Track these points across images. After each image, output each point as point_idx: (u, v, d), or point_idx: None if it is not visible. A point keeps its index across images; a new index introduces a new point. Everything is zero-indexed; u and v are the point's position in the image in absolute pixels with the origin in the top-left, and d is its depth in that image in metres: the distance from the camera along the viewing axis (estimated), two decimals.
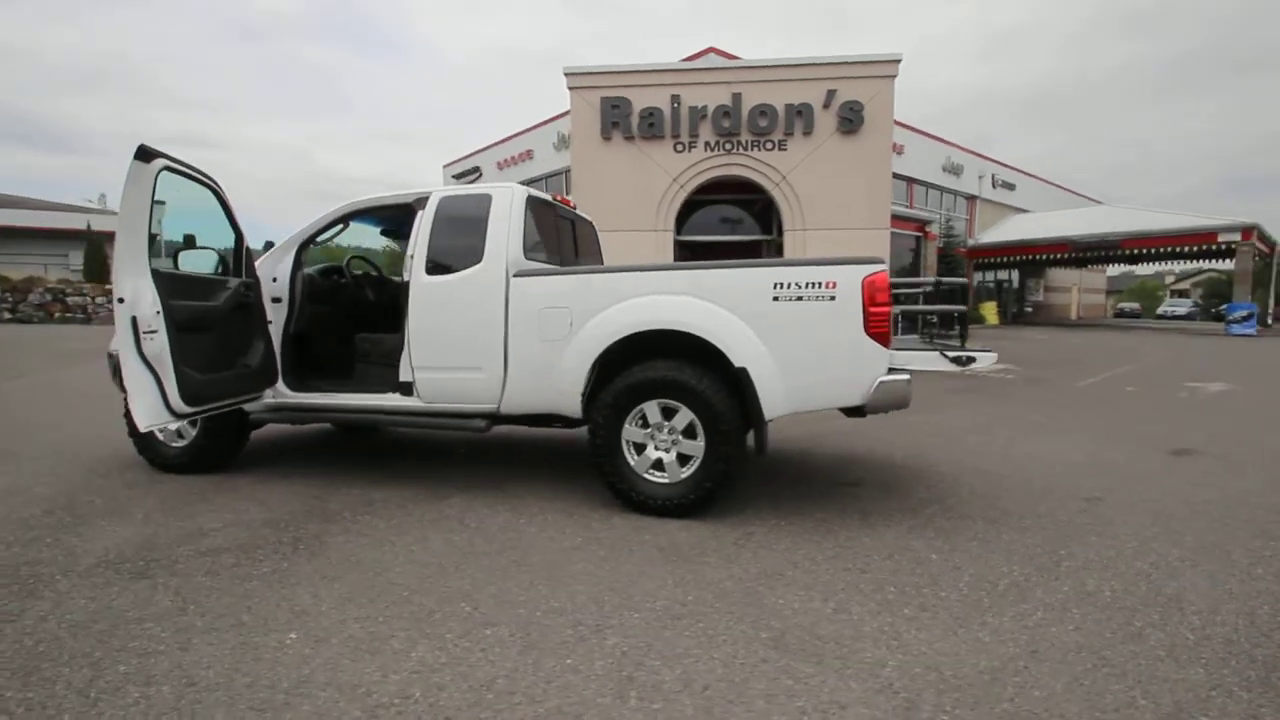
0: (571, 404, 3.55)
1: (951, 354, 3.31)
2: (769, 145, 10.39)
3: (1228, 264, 25.28)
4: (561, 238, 4.37)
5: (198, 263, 3.77)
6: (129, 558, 2.83)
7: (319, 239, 4.22)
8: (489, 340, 3.62)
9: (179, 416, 3.22)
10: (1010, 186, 30.46)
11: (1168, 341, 18.18)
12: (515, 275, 3.62)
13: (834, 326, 3.17)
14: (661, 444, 3.40)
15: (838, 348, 3.19)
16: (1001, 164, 30.18)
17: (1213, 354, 14.14)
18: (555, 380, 3.54)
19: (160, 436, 4.14)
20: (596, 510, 3.48)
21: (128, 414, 4.13)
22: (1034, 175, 33.00)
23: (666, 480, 3.38)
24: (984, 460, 4.67)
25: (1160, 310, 44.38)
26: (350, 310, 4.69)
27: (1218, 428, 6.06)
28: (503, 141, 28.46)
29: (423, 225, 3.80)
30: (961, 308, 3.79)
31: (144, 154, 3.02)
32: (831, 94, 10.44)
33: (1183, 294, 53.02)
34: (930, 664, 2.07)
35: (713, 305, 3.30)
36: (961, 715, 1.82)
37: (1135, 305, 48.87)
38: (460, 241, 3.78)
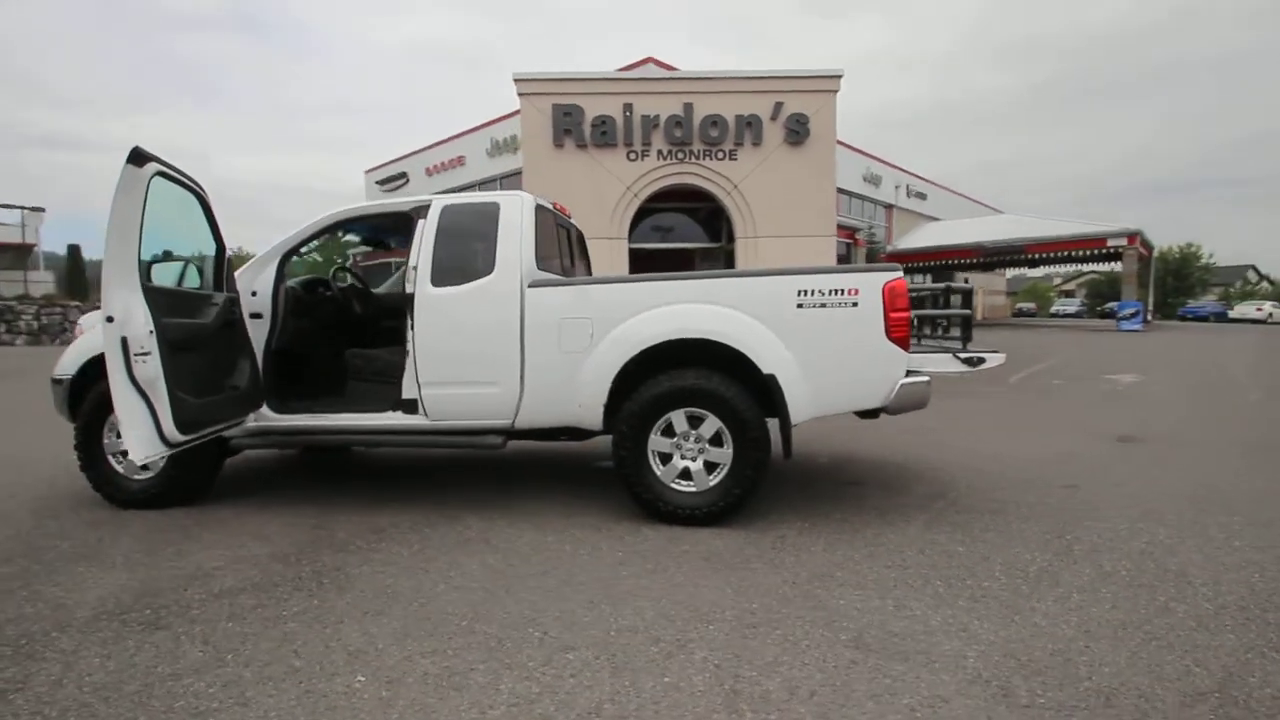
0: (592, 416, 3.49)
1: (964, 355, 3.50)
2: (720, 155, 10.63)
3: (1114, 266, 27.86)
4: (560, 246, 4.30)
5: (170, 276, 3.46)
6: (131, 606, 2.54)
7: (303, 250, 3.96)
8: (504, 353, 3.51)
9: (172, 446, 2.93)
10: (922, 196, 32.45)
11: (1069, 338, 19.85)
12: (530, 286, 3.53)
13: (856, 332, 3.28)
14: (688, 453, 3.40)
15: (860, 352, 3.30)
16: (914, 175, 32.11)
17: (1112, 348, 15.56)
18: (575, 393, 3.47)
19: (120, 469, 3.76)
20: (621, 522, 3.43)
21: (80, 445, 3.72)
22: (942, 185, 35.29)
23: (694, 489, 3.38)
24: (961, 455, 4.95)
25: (1054, 309, 48.46)
26: (337, 325, 4.42)
27: (1145, 415, 6.69)
28: (432, 146, 27.65)
29: (425, 235, 3.64)
30: (967, 311, 4.01)
31: (137, 158, 2.74)
32: (779, 106, 10.82)
33: (1069, 294, 58.06)
34: (1005, 651, 2.17)
35: (738, 313, 3.33)
36: (1054, 697, 1.92)
37: (1032, 305, 53.07)
38: (468, 251, 3.65)
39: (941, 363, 3.55)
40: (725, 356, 3.35)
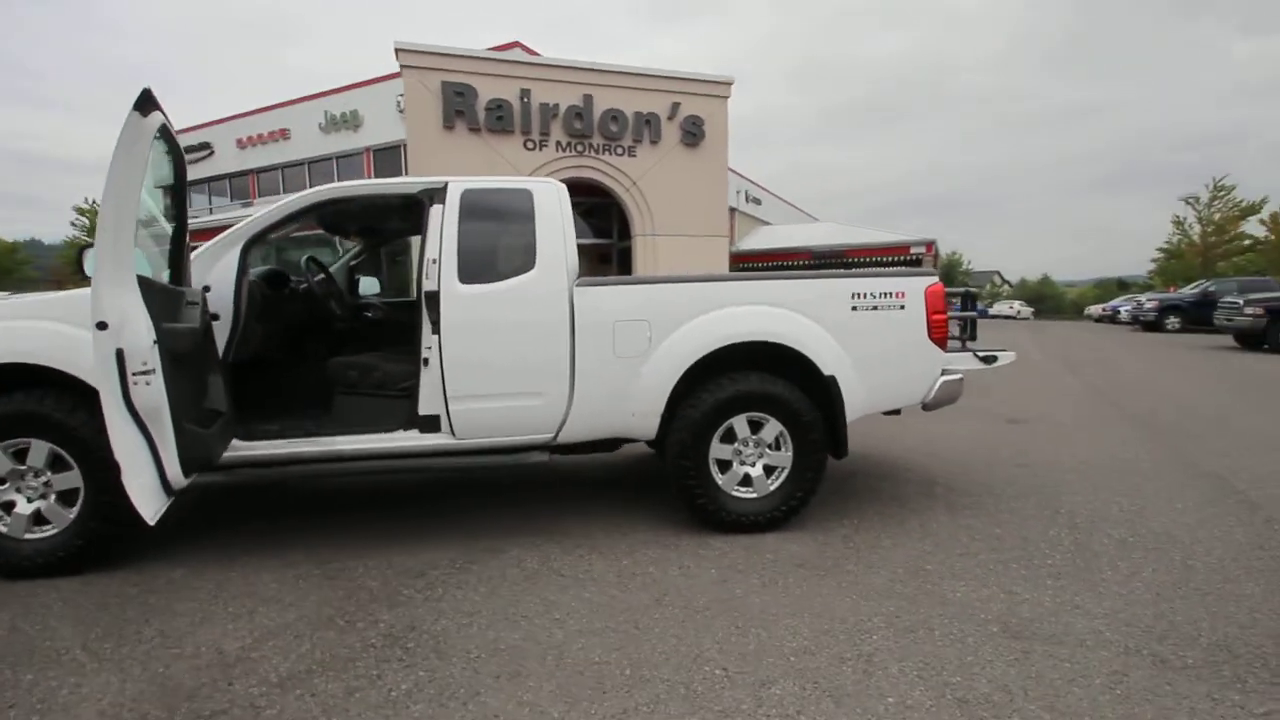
0: (646, 425, 3.26)
1: (982, 354, 3.81)
2: (619, 150, 10.51)
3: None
4: None
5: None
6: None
7: (272, 235, 3.20)
8: (551, 360, 3.14)
9: (173, 494, 2.19)
10: (758, 201, 35.08)
11: None
12: (577, 285, 3.19)
13: (903, 333, 3.43)
14: (748, 458, 3.32)
15: (906, 352, 3.45)
16: (752, 181, 34.59)
17: None
18: (630, 400, 3.22)
19: (4, 527, 2.77)
20: (681, 536, 3.26)
21: None
22: (772, 193, 38.45)
23: (755, 495, 3.31)
24: (913, 444, 5.42)
25: None
26: (308, 327, 3.64)
27: (1013, 398, 7.84)
28: (246, 115, 23.96)
29: (446, 223, 3.13)
30: (973, 313, 4.36)
31: (145, 103, 1.98)
32: (676, 106, 10.97)
33: None
34: (1124, 621, 2.40)
35: (799, 316, 3.31)
36: (1196, 657, 2.16)
37: None
38: (499, 245, 3.21)
39: (962, 360, 3.85)
40: (782, 359, 3.32)
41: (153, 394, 2.04)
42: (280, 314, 3.46)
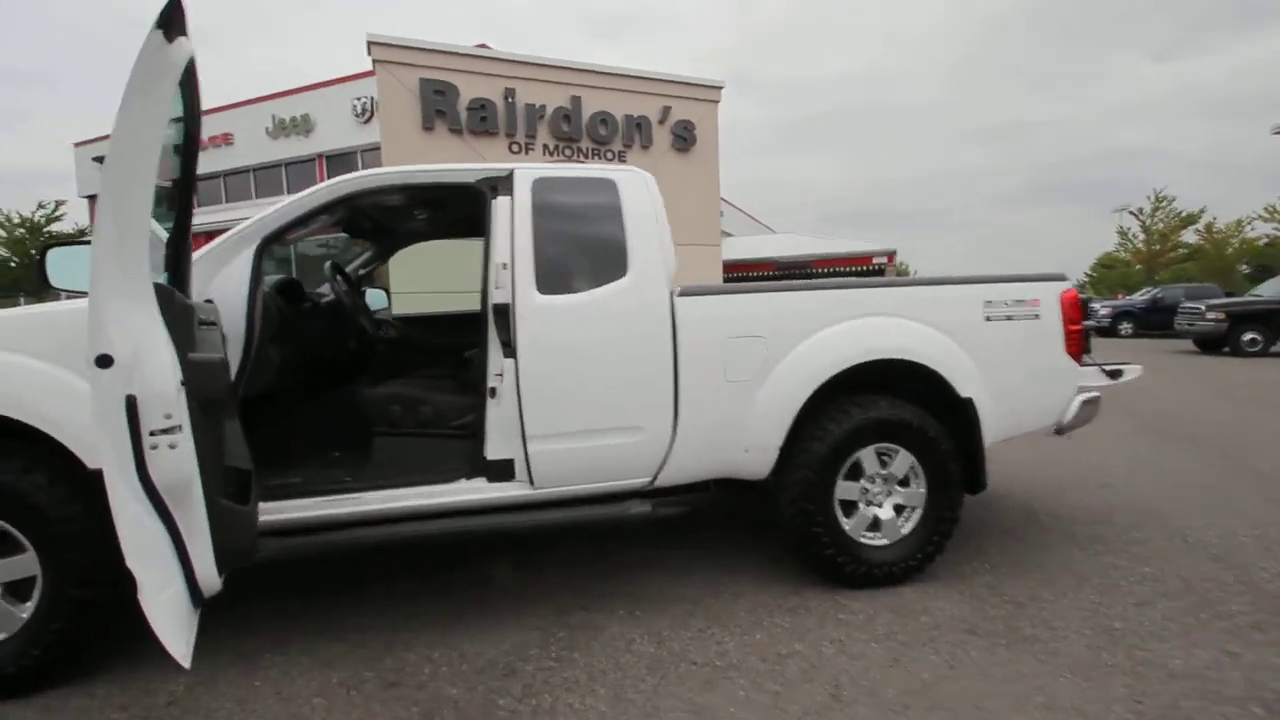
0: (760, 462, 2.71)
1: (1108, 368, 3.41)
2: (609, 155, 9.98)
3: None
4: None
5: (70, 269, 1.89)
6: None
7: (290, 237, 2.51)
8: (652, 386, 2.55)
9: (201, 604, 1.50)
10: (721, 213, 35.10)
11: None
12: (680, 295, 2.63)
13: (1039, 346, 2.99)
14: (876, 497, 2.80)
15: (1041, 368, 3.01)
16: None
17: None
18: (743, 433, 2.66)
19: None
20: (805, 594, 2.70)
21: None
22: (733, 204, 38.61)
23: (886, 541, 2.79)
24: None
25: None
26: (333, 351, 2.93)
27: None
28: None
29: (518, 219, 2.52)
30: (1090, 323, 3.98)
31: (171, 21, 1.32)
32: (667, 110, 10.50)
33: None
34: None
35: (929, 328, 2.83)
36: None
37: None
38: (581, 245, 2.61)
39: (1087, 376, 3.44)
40: (906, 379, 2.83)
41: (179, 462, 1.37)
42: (299, 335, 2.75)
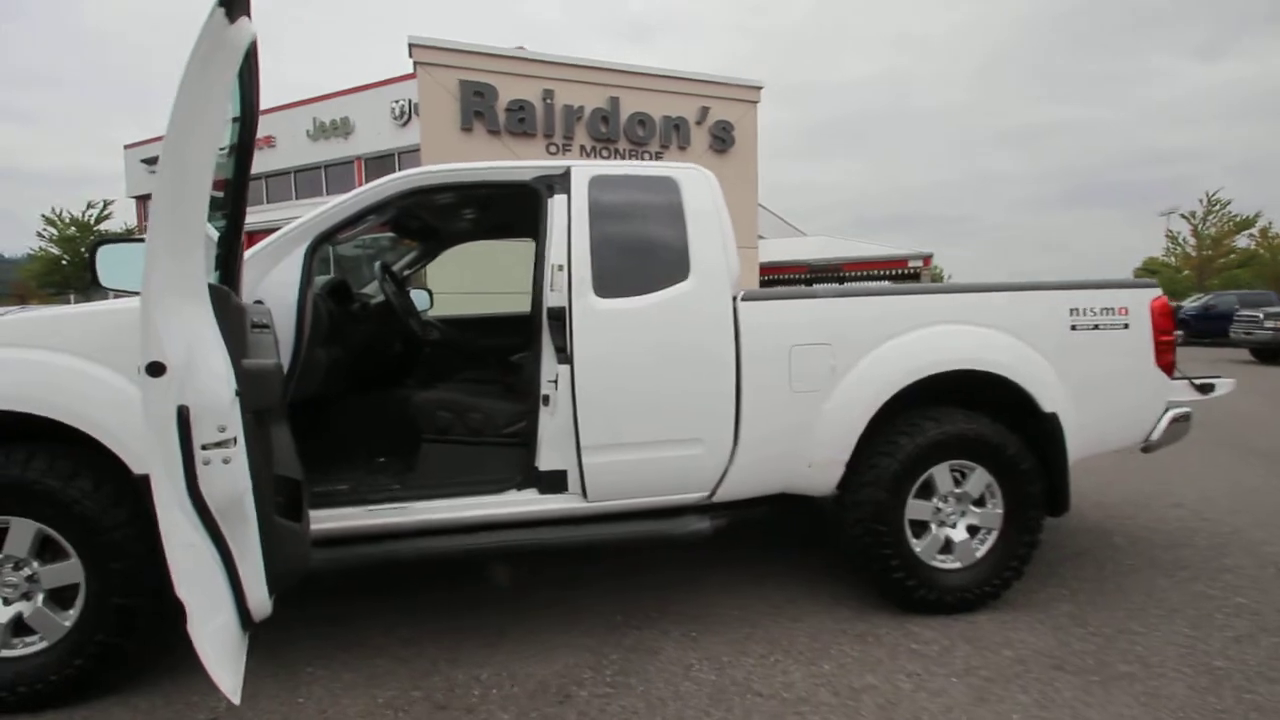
0: (825, 478, 2.55)
1: (1199, 382, 3.17)
2: (647, 156, 9.88)
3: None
4: None
5: (121, 267, 1.83)
6: None
7: (341, 235, 2.44)
8: (713, 395, 2.42)
9: (250, 629, 1.40)
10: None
11: None
12: (743, 299, 2.49)
13: (1127, 357, 2.77)
14: (949, 518, 2.62)
15: (1130, 381, 2.79)
16: None
17: None
18: (807, 446, 2.50)
19: None
20: (872, 619, 2.53)
21: None
22: (764, 206, 38.27)
23: (960, 565, 2.60)
24: None
25: None
26: (380, 354, 2.86)
27: None
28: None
29: (575, 218, 2.40)
30: (1178, 331, 3.74)
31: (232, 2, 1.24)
32: (705, 111, 10.37)
33: None
34: None
35: (1010, 338, 2.64)
36: None
37: None
38: (640, 247, 2.48)
39: (1176, 390, 3.20)
40: (983, 390, 2.64)
41: (232, 478, 1.27)
42: (347, 337, 2.68)
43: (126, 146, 27.41)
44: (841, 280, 34.53)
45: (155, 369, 1.21)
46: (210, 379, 1.26)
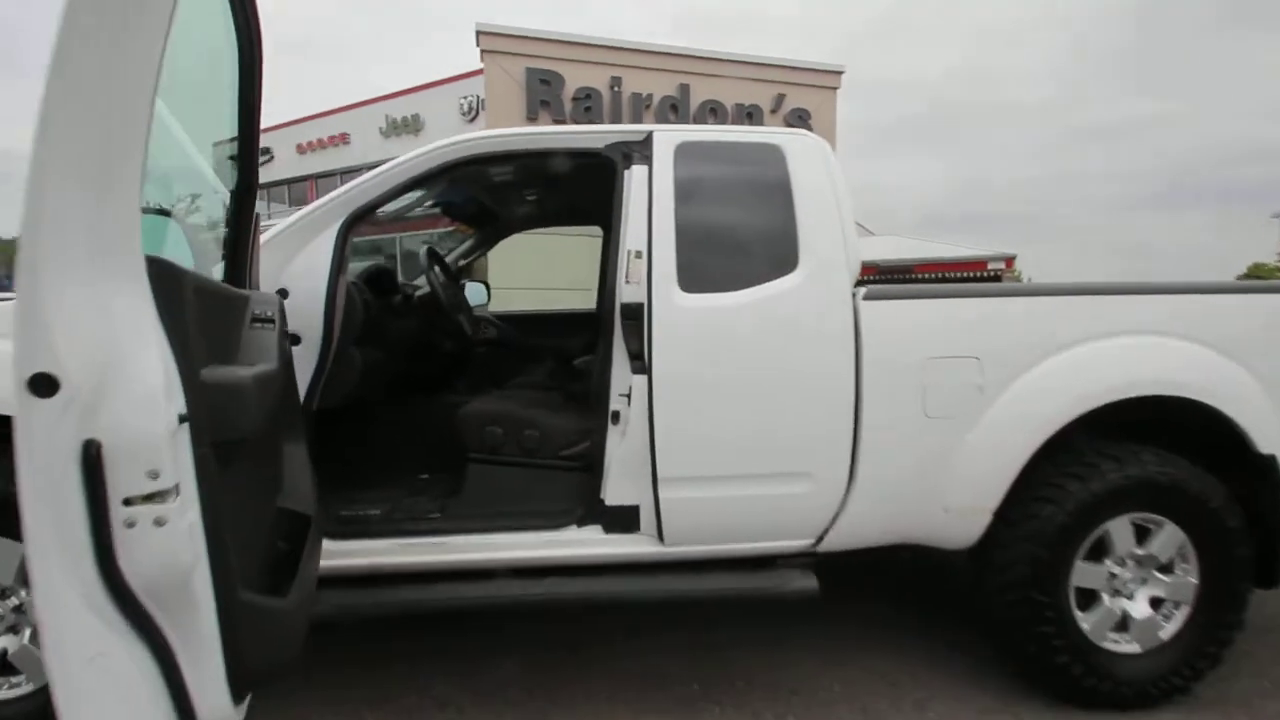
0: (964, 528, 2.00)
1: None
2: None
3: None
4: None
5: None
6: None
7: (378, 210, 2.07)
8: (825, 417, 1.92)
9: None
10: None
11: None
12: (867, 297, 1.98)
13: None
14: (1126, 587, 2.03)
15: None
16: None
17: None
18: (944, 486, 1.97)
19: None
20: (1023, 713, 1.98)
21: None
22: None
23: (1138, 648, 2.01)
24: None
25: None
26: (429, 354, 2.51)
27: None
28: (305, 120, 23.61)
29: (656, 195, 1.95)
30: None
31: None
32: (780, 98, 9.79)
33: None
34: None
35: (1214, 353, 2.02)
36: None
37: None
38: (740, 230, 2.02)
39: None
40: (1176, 420, 2.04)
41: (172, 546, 0.85)
42: (387, 334, 2.32)
43: (215, 145, 28.85)
44: (913, 282, 32.90)
45: (41, 385, 0.82)
46: (136, 399, 0.87)
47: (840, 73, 10.10)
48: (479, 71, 10.15)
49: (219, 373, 0.96)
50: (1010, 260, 26.07)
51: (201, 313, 0.98)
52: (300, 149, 24.03)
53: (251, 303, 1.31)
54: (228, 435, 0.97)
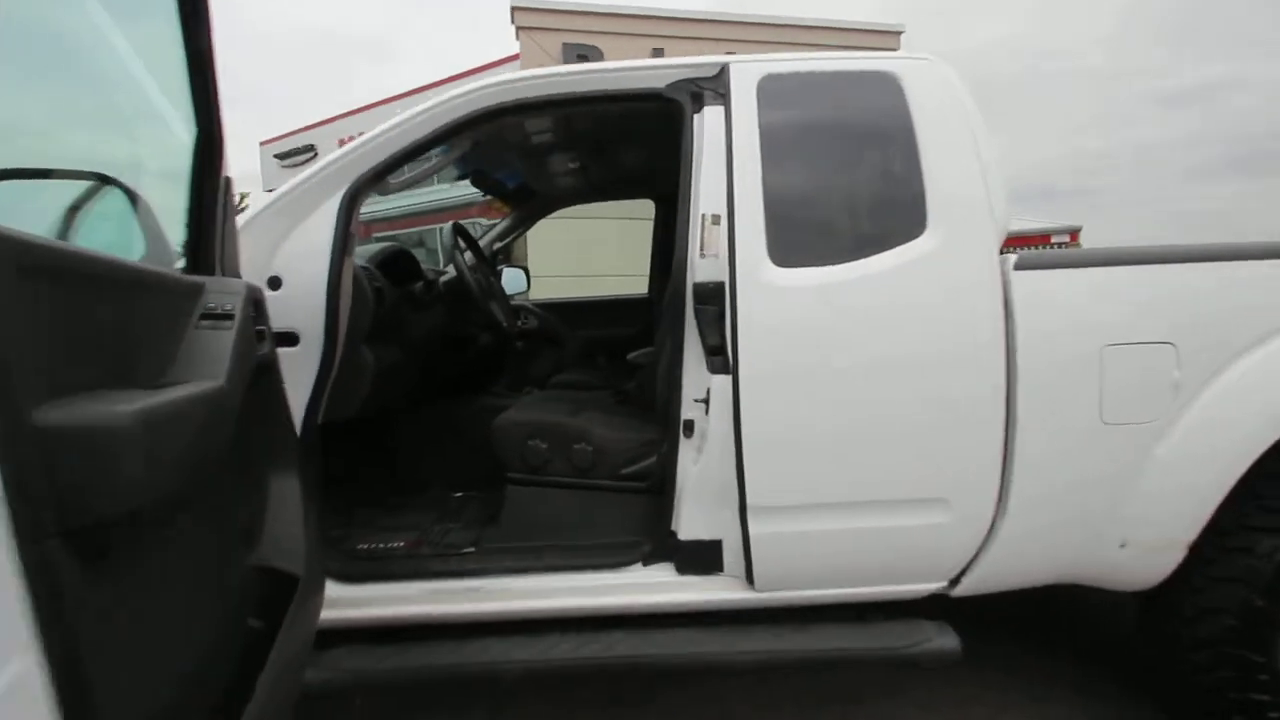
0: (1148, 565, 1.54)
1: None
2: None
3: None
4: None
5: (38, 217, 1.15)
6: None
7: (394, 179, 1.71)
8: (966, 427, 1.48)
9: None
10: None
11: None
12: (1019, 267, 1.52)
13: None
14: None
15: None
16: None
17: None
18: (1124, 512, 1.50)
19: None
20: None
21: None
22: None
23: None
24: None
25: None
26: (458, 352, 2.17)
27: None
28: (349, 114, 23.71)
29: (738, 143, 1.52)
30: None
31: None
32: None
33: None
34: None
35: None
36: None
37: None
38: (849, 185, 1.59)
39: None
40: None
41: None
42: (408, 329, 1.96)
43: (262, 143, 29.47)
44: None
45: None
46: None
47: (899, 33, 9.35)
48: (515, 56, 9.82)
49: (72, 411, 0.58)
50: (1075, 233, 24.47)
51: (65, 309, 0.61)
52: (342, 144, 24.21)
53: (208, 291, 0.96)
54: (99, 510, 0.60)
